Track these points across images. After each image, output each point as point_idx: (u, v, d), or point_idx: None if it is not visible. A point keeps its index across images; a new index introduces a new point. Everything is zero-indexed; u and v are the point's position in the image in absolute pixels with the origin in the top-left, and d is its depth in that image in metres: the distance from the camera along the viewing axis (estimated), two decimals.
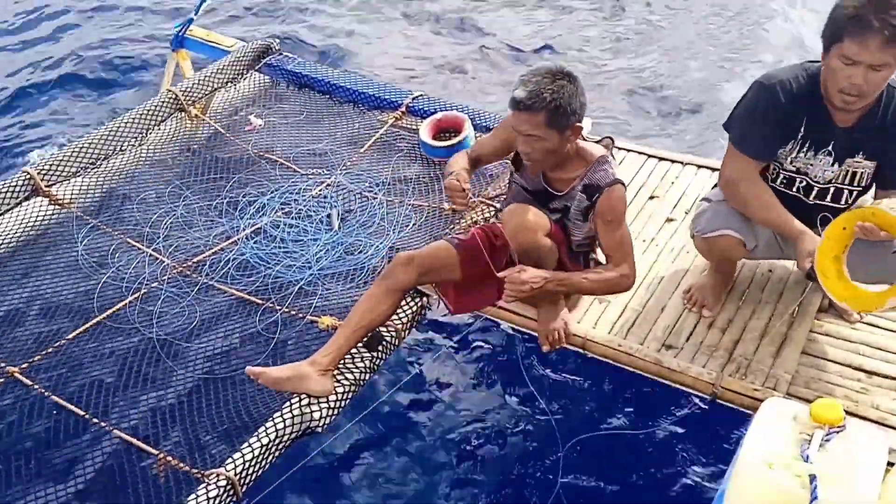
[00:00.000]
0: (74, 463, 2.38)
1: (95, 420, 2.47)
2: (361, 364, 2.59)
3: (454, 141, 3.55)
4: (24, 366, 2.66)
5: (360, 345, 2.60)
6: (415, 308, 2.80)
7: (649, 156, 3.56)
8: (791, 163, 2.46)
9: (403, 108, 3.92)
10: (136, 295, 2.94)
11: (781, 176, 2.51)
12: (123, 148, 3.66)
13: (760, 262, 2.94)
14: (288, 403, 2.42)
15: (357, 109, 4.04)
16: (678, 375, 2.57)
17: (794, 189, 2.51)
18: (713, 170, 3.43)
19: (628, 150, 3.59)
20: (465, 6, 6.98)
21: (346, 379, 2.53)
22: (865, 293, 2.27)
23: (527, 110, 2.29)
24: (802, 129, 2.39)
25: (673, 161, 3.53)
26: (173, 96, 3.90)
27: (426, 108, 3.86)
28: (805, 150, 2.42)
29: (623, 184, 2.48)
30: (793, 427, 1.99)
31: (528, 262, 2.46)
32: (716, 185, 2.69)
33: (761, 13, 6.66)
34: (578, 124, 2.38)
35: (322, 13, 7.03)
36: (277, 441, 2.33)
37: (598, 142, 2.59)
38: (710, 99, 5.46)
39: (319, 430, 2.42)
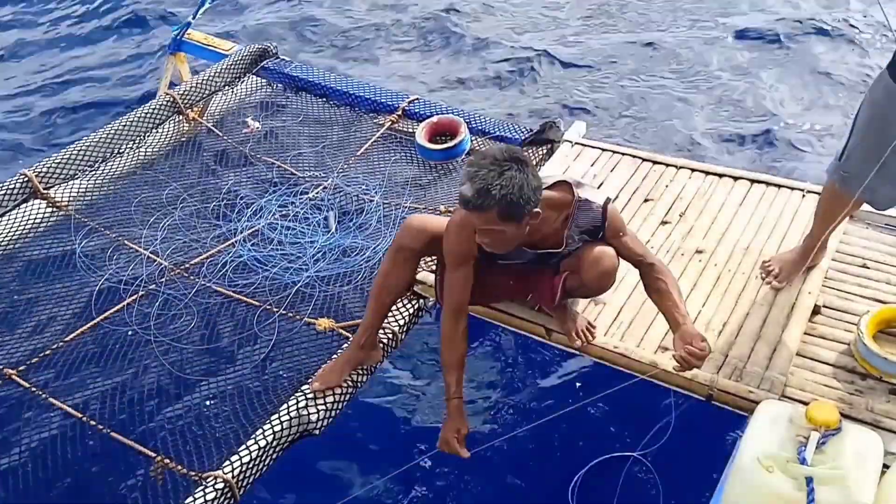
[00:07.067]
0: (72, 465, 2.38)
1: (93, 422, 2.47)
2: None
3: (450, 144, 3.57)
4: (21, 368, 2.66)
5: None
6: (412, 310, 2.81)
7: (644, 159, 3.57)
8: None
9: (400, 112, 3.93)
10: (133, 297, 2.95)
11: None
12: (121, 151, 3.68)
13: (755, 265, 2.96)
14: (285, 406, 2.43)
15: (354, 113, 4.06)
16: (674, 377, 2.58)
17: None
18: (707, 173, 3.45)
19: (623, 154, 3.60)
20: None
21: (344, 381, 2.54)
22: None
23: (476, 209, 2.10)
24: None
25: (667, 165, 3.54)
26: (171, 99, 3.91)
27: (422, 112, 3.88)
28: None
29: (609, 199, 2.41)
30: (789, 429, 2.01)
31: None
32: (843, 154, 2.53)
33: None
34: (535, 210, 2.18)
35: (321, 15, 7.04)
36: (275, 443, 2.34)
37: (553, 185, 2.37)
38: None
39: (317, 432, 2.43)
